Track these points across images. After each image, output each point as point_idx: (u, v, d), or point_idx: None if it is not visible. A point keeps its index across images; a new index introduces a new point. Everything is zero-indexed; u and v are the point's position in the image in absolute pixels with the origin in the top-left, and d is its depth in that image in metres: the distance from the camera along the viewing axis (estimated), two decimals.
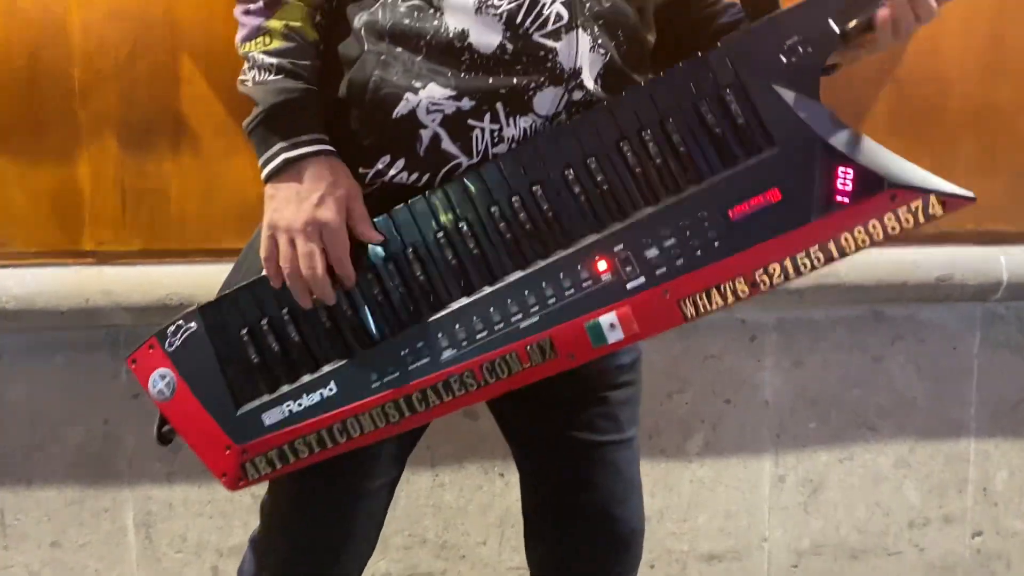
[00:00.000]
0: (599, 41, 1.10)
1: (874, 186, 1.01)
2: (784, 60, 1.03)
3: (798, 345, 1.97)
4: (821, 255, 1.03)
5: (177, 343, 1.14)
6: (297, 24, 1.09)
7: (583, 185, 1.07)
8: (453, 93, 1.07)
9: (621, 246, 1.06)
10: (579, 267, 1.07)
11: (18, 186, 1.67)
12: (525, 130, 1.09)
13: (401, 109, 1.08)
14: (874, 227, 1.01)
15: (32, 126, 1.66)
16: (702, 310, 1.05)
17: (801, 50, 1.03)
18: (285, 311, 1.12)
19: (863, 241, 1.02)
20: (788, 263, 1.03)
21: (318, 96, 1.10)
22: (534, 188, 1.08)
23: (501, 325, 1.08)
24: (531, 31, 1.07)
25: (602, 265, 1.06)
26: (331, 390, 1.12)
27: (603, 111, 1.07)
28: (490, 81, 1.07)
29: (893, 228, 1.01)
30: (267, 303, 1.13)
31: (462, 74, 1.07)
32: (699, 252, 1.04)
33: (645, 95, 1.06)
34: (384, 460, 1.22)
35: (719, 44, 1.05)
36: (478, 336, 1.09)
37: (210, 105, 1.67)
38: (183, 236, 1.72)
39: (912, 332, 1.99)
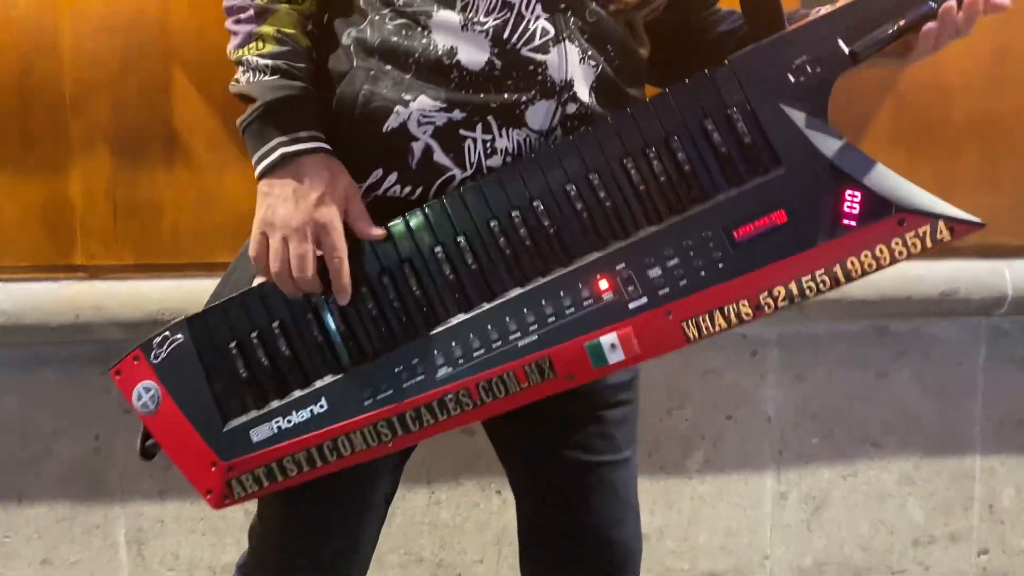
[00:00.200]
0: (588, 53, 1.09)
1: (882, 210, 1.00)
2: (792, 79, 1.03)
3: (800, 360, 1.96)
4: (827, 279, 1.02)
5: (163, 355, 1.12)
6: (290, 31, 1.09)
7: (585, 201, 1.05)
8: (444, 105, 1.06)
9: (623, 265, 1.05)
10: (580, 285, 1.05)
11: (8, 199, 1.67)
12: (519, 143, 1.08)
13: (391, 122, 1.07)
14: (881, 252, 1.01)
15: (23, 138, 1.66)
16: (705, 332, 1.04)
17: (810, 69, 1.02)
18: (276, 324, 1.10)
19: (870, 265, 1.02)
20: (793, 286, 1.02)
21: (316, 97, 1.09)
22: (535, 203, 1.06)
23: (499, 343, 1.06)
24: (518, 46, 1.07)
25: (603, 284, 1.05)
26: (322, 407, 1.09)
27: (607, 127, 1.06)
28: (481, 96, 1.07)
29: (900, 253, 1.01)
30: (257, 316, 1.11)
31: (452, 91, 1.06)
32: (703, 273, 1.03)
33: (650, 112, 1.05)
34: (382, 474, 1.21)
35: (726, 61, 1.04)
36: (475, 354, 1.07)
37: (203, 117, 1.68)
38: (176, 250, 1.72)
39: (916, 347, 1.99)
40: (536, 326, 1.06)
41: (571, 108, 1.09)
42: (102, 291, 1.68)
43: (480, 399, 1.07)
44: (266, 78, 1.07)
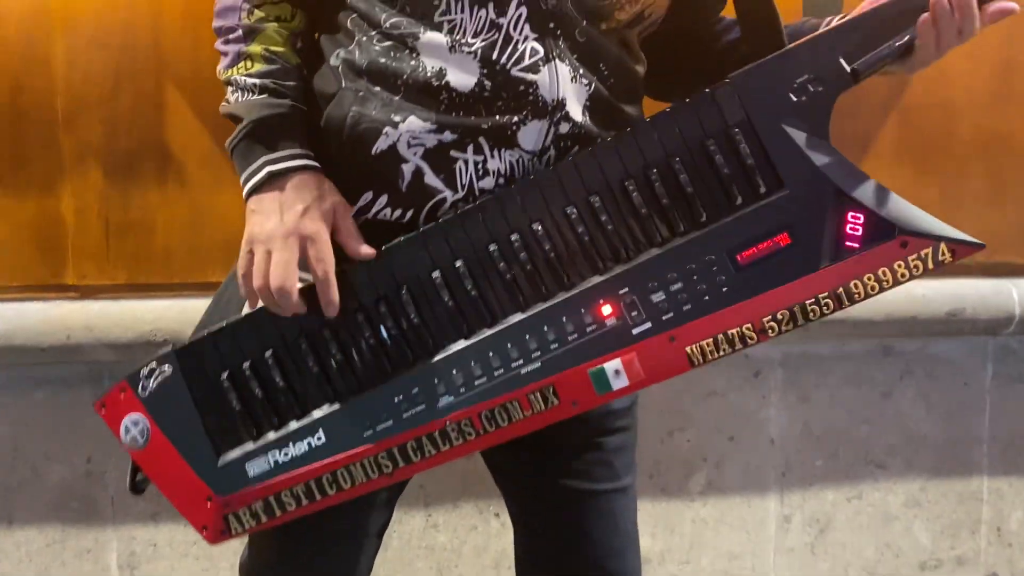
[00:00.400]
0: (580, 72, 1.08)
1: (885, 233, 1.01)
2: (794, 98, 1.02)
3: (804, 380, 1.95)
4: (831, 302, 1.02)
5: (151, 387, 1.09)
6: (278, 49, 1.08)
7: (586, 224, 1.04)
8: (434, 127, 1.05)
9: (626, 289, 1.03)
10: (583, 310, 1.04)
11: None
12: (511, 164, 1.07)
13: (381, 144, 1.05)
14: (884, 274, 1.01)
15: (14, 156, 1.66)
16: (709, 356, 1.03)
17: (811, 88, 1.01)
18: (269, 354, 1.08)
19: (873, 288, 1.02)
20: (797, 309, 1.03)
21: (304, 115, 1.08)
22: (535, 226, 1.04)
23: (501, 371, 1.05)
24: (508, 67, 1.05)
25: (607, 309, 1.04)
26: (320, 439, 1.07)
27: (607, 148, 1.04)
28: (472, 118, 1.05)
29: (903, 275, 1.01)
30: (249, 345, 1.08)
31: (442, 113, 1.05)
32: (707, 297, 1.02)
33: (651, 132, 1.04)
34: (377, 507, 1.19)
35: (727, 80, 1.03)
36: (477, 382, 1.05)
37: (196, 135, 1.68)
38: (168, 269, 1.71)
39: (922, 367, 1.98)
40: (539, 353, 1.04)
41: (564, 127, 1.07)
42: (94, 311, 1.68)
43: (483, 428, 1.05)
44: (253, 97, 1.06)
